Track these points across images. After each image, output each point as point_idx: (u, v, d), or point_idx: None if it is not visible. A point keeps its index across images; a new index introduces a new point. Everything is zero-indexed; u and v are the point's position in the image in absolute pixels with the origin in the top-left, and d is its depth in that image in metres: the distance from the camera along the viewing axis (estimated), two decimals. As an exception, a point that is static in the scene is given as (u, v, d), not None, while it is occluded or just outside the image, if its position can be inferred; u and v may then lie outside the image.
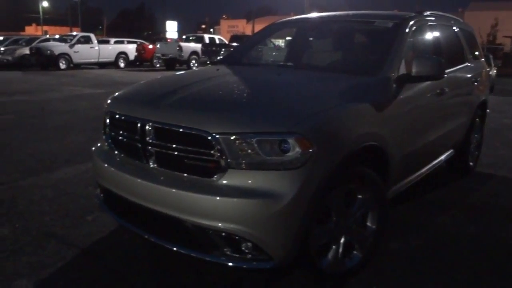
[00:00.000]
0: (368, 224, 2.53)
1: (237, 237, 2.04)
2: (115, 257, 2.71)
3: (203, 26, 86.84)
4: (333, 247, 2.38)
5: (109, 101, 2.73)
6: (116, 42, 22.52)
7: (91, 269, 2.58)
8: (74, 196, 3.72)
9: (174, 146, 2.17)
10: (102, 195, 2.74)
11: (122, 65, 22.14)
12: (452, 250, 2.93)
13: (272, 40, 25.71)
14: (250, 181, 2.01)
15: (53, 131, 6.35)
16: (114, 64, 21.77)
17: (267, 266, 2.07)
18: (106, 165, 2.53)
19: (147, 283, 2.44)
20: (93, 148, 2.80)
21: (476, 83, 4.34)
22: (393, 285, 2.48)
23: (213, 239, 2.09)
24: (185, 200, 2.07)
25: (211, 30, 70.64)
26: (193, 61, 22.04)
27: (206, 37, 24.32)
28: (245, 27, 62.77)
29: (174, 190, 2.10)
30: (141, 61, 23.62)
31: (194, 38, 24.83)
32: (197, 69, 3.83)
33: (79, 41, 20.13)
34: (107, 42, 22.30)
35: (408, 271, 2.64)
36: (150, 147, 2.27)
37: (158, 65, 23.14)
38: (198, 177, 2.11)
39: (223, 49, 20.09)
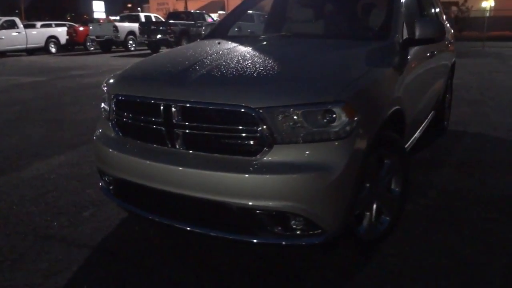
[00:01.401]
0: (393, 187, 2.55)
1: (287, 214, 1.96)
2: (135, 251, 2.52)
3: (129, 5, 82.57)
4: (367, 214, 2.38)
5: (111, 84, 2.46)
6: (43, 26, 20.83)
7: (114, 267, 2.36)
8: (59, 193, 3.41)
9: (209, 126, 2.00)
10: (111, 186, 2.51)
11: (53, 50, 20.58)
12: (459, 205, 3.06)
13: (211, 15, 25.12)
14: (298, 155, 1.92)
15: (7, 125, 5.75)
16: (44, 50, 20.16)
17: (318, 240, 2.01)
18: (119, 153, 2.29)
19: (182, 273, 2.29)
20: (95, 137, 2.54)
21: (449, 45, 4.50)
22: (422, 244, 2.54)
23: (261, 219, 1.99)
24: (229, 182, 1.94)
25: (139, 8, 67.24)
26: (131, 42, 21.11)
27: (142, 16, 23.26)
28: (175, 4, 60.34)
29: (216, 173, 1.94)
30: (74, 45, 22.09)
31: (127, 16, 23.66)
32: (193, 43, 3.49)
33: (2, 27, 18.37)
34: (33, 26, 20.53)
35: (429, 229, 2.72)
36: (177, 130, 2.08)
37: (92, 48, 21.83)
38: (239, 157, 1.98)
39: (161, 27, 19.32)
